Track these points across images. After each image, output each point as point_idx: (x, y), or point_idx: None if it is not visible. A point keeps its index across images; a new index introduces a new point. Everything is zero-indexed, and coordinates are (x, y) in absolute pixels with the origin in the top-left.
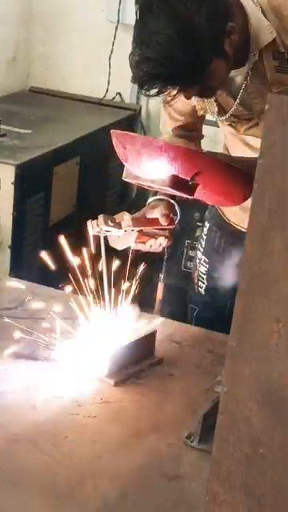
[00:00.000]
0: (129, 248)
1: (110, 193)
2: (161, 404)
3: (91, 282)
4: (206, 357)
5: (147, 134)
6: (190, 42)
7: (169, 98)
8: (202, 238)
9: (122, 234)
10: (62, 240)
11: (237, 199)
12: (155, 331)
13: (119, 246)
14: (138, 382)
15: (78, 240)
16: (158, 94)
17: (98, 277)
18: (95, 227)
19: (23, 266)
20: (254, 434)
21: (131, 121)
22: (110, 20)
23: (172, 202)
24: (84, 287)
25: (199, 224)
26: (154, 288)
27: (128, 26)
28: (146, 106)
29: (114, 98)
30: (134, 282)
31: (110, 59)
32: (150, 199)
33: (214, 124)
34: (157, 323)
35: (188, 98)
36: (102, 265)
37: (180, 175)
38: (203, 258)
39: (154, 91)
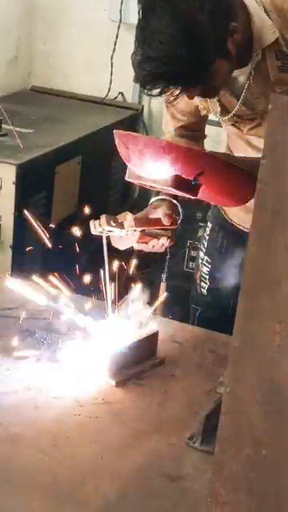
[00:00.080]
0: (131, 248)
1: (112, 192)
2: (162, 405)
3: (94, 282)
4: (207, 357)
5: (149, 134)
6: (193, 41)
7: (171, 98)
8: (204, 238)
9: (124, 234)
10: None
11: (240, 199)
12: (157, 332)
13: (121, 246)
14: (139, 382)
15: (80, 240)
16: (160, 93)
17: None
18: (97, 227)
19: (25, 265)
20: (256, 434)
21: (133, 120)
22: (112, 19)
23: (174, 202)
24: (86, 287)
25: (201, 224)
26: (156, 288)
27: (130, 26)
28: (148, 105)
29: (116, 97)
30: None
31: (112, 58)
32: (153, 199)
33: (217, 124)
34: (159, 323)
35: (191, 97)
36: (104, 265)
37: (183, 175)
38: (205, 258)
39: (156, 91)
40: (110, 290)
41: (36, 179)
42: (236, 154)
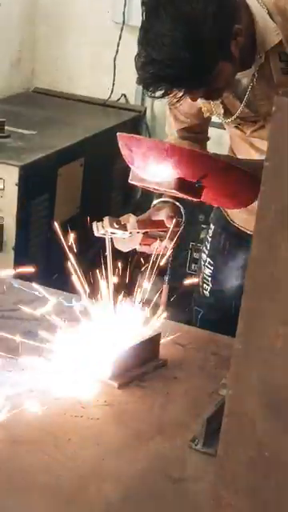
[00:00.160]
0: (134, 250)
1: (115, 194)
2: (165, 407)
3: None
4: (210, 359)
5: (152, 136)
6: (196, 43)
7: (174, 100)
8: (206, 240)
9: (127, 236)
10: None
11: (243, 202)
12: (159, 333)
13: (124, 248)
14: (141, 384)
15: (83, 241)
16: (163, 95)
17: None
18: (100, 229)
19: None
20: (259, 436)
21: (136, 122)
22: (115, 21)
23: (177, 204)
24: (89, 289)
25: (204, 226)
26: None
27: (133, 28)
28: (151, 107)
29: (118, 99)
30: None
31: (114, 60)
32: (155, 201)
33: (219, 126)
34: (161, 325)
35: (194, 99)
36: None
37: (186, 178)
38: (208, 260)
39: (159, 93)
40: (112, 291)
41: (38, 181)
42: (239, 157)
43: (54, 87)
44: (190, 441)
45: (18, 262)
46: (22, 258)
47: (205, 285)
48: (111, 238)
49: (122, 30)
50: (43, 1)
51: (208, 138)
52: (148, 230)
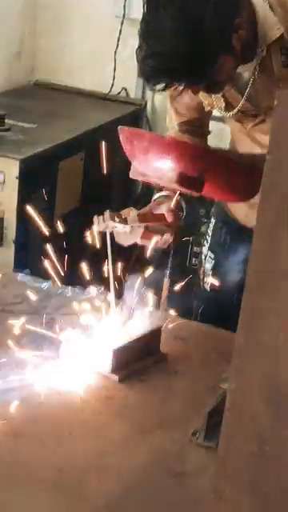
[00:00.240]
0: (134, 244)
1: (115, 188)
2: (166, 400)
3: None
4: (210, 353)
5: (153, 130)
6: (198, 37)
7: (175, 93)
8: (207, 234)
9: (128, 229)
10: None
11: (244, 196)
12: (160, 328)
13: (125, 242)
14: (142, 378)
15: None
16: (164, 88)
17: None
18: (101, 223)
19: (27, 260)
20: (260, 431)
21: (137, 116)
22: (115, 14)
23: (178, 198)
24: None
25: (205, 220)
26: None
27: (134, 21)
28: (152, 100)
29: (119, 92)
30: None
31: (115, 54)
32: (156, 195)
33: (220, 120)
34: (162, 320)
35: (195, 93)
36: (108, 261)
37: (187, 172)
38: (209, 254)
39: (160, 86)
40: (113, 284)
41: (39, 174)
42: (240, 150)
43: (55, 81)
44: (191, 435)
45: (18, 256)
46: (22, 252)
47: (205, 279)
48: (112, 232)
49: (122, 23)
50: None
51: (209, 132)
52: (149, 224)
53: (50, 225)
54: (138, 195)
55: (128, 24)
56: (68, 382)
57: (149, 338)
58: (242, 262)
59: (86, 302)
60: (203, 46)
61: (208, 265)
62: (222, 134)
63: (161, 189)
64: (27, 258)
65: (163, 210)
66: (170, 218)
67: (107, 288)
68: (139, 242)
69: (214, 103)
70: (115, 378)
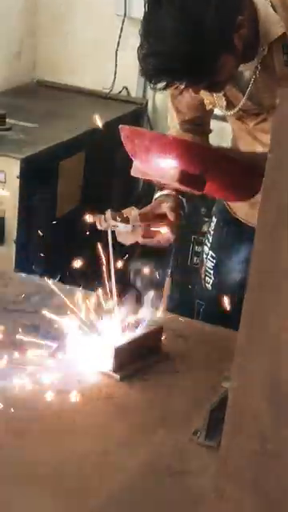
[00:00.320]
0: (136, 243)
1: (116, 187)
2: (167, 399)
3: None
4: (212, 352)
5: (154, 128)
6: (199, 36)
7: (176, 92)
8: (209, 233)
9: (129, 229)
10: None
11: (245, 194)
12: (162, 326)
13: (127, 241)
14: (144, 377)
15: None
16: (165, 87)
17: (105, 271)
18: (103, 222)
19: (29, 259)
20: (262, 429)
21: (138, 115)
22: (116, 13)
23: (179, 197)
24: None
25: (206, 219)
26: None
27: (135, 20)
28: (153, 99)
29: (120, 91)
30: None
31: (116, 53)
32: (157, 194)
33: (221, 119)
34: (163, 318)
35: (196, 92)
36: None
37: (188, 171)
38: (210, 253)
39: (161, 85)
40: (114, 284)
41: (40, 173)
42: (242, 149)
43: (56, 80)
44: (192, 434)
45: (19, 255)
46: (23, 251)
47: (207, 278)
48: (113, 231)
49: (123, 22)
50: None
51: (210, 131)
52: (150, 223)
53: (51, 224)
54: (139, 195)
55: (129, 23)
56: (69, 380)
57: (150, 336)
58: (243, 261)
59: (87, 300)
60: (203, 46)
61: (209, 264)
62: (223, 133)
63: (162, 188)
64: (28, 257)
65: (164, 208)
66: (171, 217)
67: (109, 287)
68: (141, 241)
69: (215, 102)
70: (116, 376)
